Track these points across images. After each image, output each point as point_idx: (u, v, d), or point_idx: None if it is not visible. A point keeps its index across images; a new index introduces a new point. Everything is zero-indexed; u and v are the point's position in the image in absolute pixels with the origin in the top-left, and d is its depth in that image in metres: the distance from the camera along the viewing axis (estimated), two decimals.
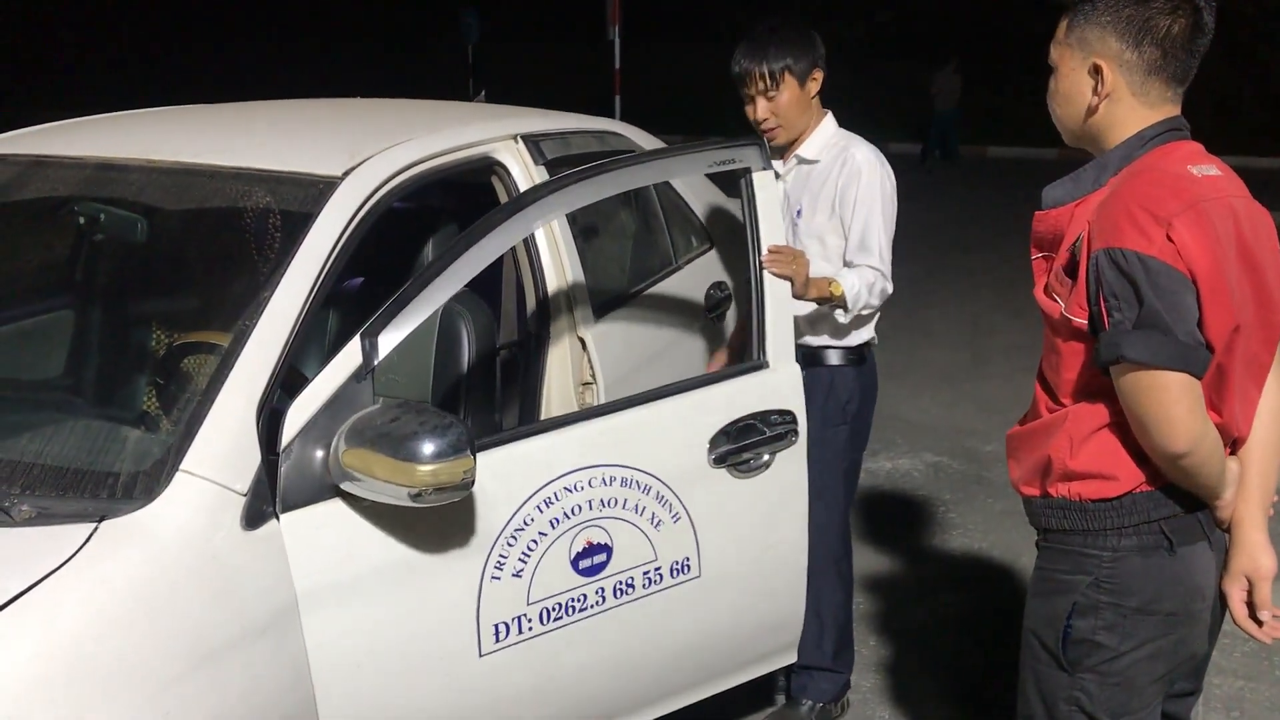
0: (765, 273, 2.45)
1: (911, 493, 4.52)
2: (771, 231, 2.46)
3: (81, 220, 2.50)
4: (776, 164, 2.80)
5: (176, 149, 2.39)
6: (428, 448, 1.74)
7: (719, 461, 2.32)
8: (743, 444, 2.34)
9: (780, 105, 2.72)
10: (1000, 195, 11.66)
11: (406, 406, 1.83)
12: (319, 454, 1.87)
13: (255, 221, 2.18)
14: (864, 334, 2.86)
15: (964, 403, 5.56)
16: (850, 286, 2.65)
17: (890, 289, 2.76)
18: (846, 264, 2.76)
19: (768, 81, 2.70)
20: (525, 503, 2.06)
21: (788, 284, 2.49)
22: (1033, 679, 1.87)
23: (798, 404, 2.44)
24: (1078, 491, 1.78)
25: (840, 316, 2.72)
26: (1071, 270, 1.74)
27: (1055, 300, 1.78)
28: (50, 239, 2.60)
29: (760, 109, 2.74)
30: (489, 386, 2.69)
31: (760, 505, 2.39)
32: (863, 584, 3.73)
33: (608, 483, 2.16)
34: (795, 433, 2.42)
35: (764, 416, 2.38)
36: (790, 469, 2.42)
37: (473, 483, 1.81)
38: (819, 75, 2.76)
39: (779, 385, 2.42)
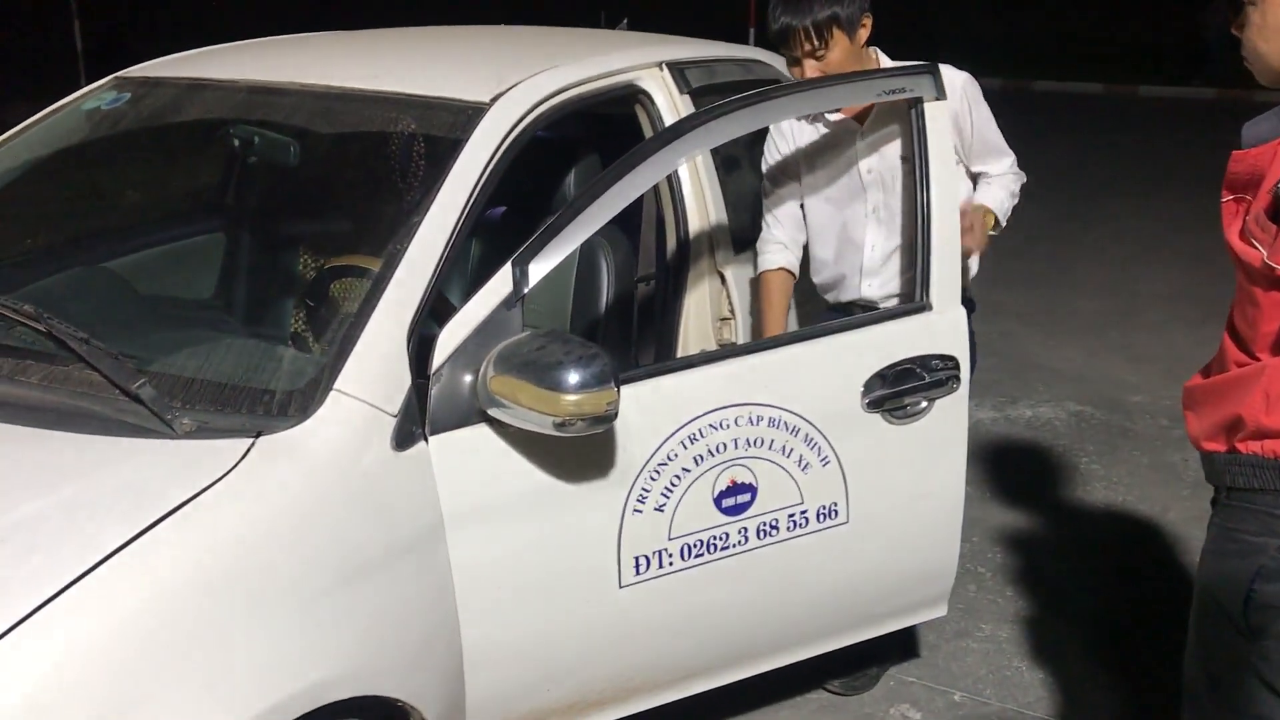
0: (933, 209, 2.32)
1: (1052, 442, 4.37)
2: (942, 167, 2.33)
3: (236, 142, 2.55)
4: (844, 120, 2.57)
5: (327, 73, 2.40)
6: (572, 377, 1.73)
7: (873, 406, 2.24)
8: (900, 389, 2.25)
9: (831, 65, 2.41)
10: (1155, 137, 11.10)
11: (553, 335, 1.82)
12: (467, 379, 1.87)
13: (404, 146, 2.19)
14: (972, 266, 2.65)
15: (1110, 352, 5.34)
16: (999, 204, 2.60)
17: (1024, 177, 2.70)
18: (977, 176, 2.65)
19: (814, 40, 2.39)
20: (669, 438, 2.03)
21: (956, 221, 2.35)
22: (1204, 642, 1.77)
23: (961, 349, 2.33)
24: (1273, 449, 1.66)
25: (993, 231, 2.65)
26: (1275, 214, 1.60)
27: (1255, 247, 1.64)
28: (207, 161, 2.66)
29: (809, 72, 2.41)
30: (626, 319, 2.67)
31: (915, 453, 2.31)
32: (999, 534, 3.64)
33: (754, 422, 2.11)
34: (958, 379, 2.31)
35: (924, 361, 2.28)
36: (950, 416, 2.33)
37: (615, 415, 1.79)
38: (868, 20, 2.45)
39: (943, 329, 2.32)
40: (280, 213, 2.62)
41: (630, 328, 2.71)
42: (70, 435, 1.74)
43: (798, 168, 2.67)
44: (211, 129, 2.53)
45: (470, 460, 1.88)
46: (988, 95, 2.62)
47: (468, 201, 2.04)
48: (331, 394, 1.79)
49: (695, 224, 2.63)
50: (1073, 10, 14.07)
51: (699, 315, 2.68)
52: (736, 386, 2.10)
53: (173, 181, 2.66)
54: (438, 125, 2.17)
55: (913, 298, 2.35)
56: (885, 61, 2.58)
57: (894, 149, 2.55)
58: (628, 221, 2.66)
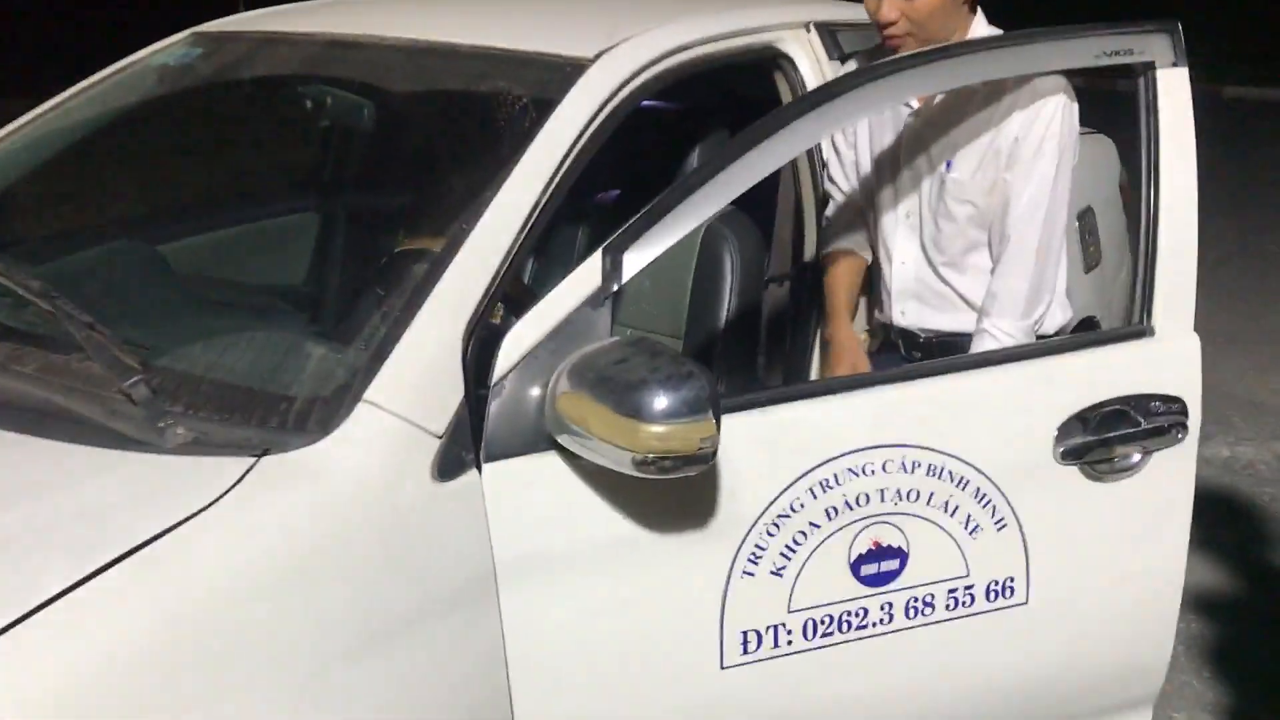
0: (1161, 206, 1.86)
1: (1255, 490, 3.77)
2: (1179, 153, 1.87)
3: (308, 104, 2.26)
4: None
5: (412, 25, 2.13)
6: (659, 403, 1.35)
7: (1069, 456, 1.79)
8: (1106, 436, 1.80)
9: (919, 11, 1.96)
10: None
11: (640, 346, 1.43)
12: (535, 393, 1.50)
13: (488, 108, 1.87)
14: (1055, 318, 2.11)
15: None
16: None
17: (1050, 301, 2.03)
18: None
19: None
20: (795, 483, 1.63)
21: (1192, 222, 1.87)
22: None
23: (1192, 390, 1.86)
24: None
25: None
26: None
27: None
28: (273, 127, 2.37)
29: (887, 11, 1.97)
30: (752, 327, 2.30)
31: (1124, 519, 1.88)
32: (1197, 599, 3.09)
33: (909, 469, 1.69)
34: (1184, 428, 1.85)
35: (1141, 402, 1.82)
36: (1171, 475, 1.89)
37: (713, 454, 1.40)
38: None
39: (1168, 361, 1.87)
40: (352, 186, 2.32)
41: (757, 338, 2.33)
42: (46, 443, 1.42)
43: (863, 140, 2.19)
44: (279, 88, 2.25)
45: (534, 496, 1.52)
46: None
47: (555, 174, 1.69)
48: (360, 405, 1.44)
49: None
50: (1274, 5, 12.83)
51: None
52: (886, 422, 1.70)
53: (232, 151, 2.37)
54: (527, 83, 1.85)
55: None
56: (983, 29, 2.06)
57: (946, 144, 2.03)
58: (762, 211, 2.31)
